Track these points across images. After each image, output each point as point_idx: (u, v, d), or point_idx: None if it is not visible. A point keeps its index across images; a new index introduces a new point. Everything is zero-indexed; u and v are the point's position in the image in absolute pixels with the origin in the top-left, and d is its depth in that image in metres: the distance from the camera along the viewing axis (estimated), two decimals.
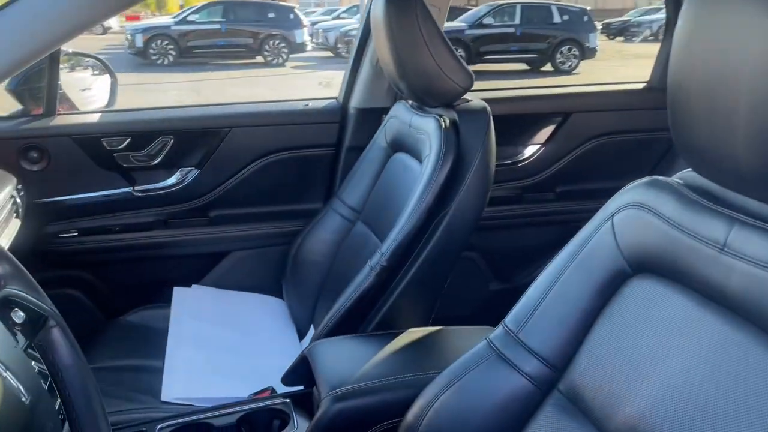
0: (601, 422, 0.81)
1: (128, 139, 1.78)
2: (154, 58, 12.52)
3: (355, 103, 1.92)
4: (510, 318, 0.95)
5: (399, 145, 1.60)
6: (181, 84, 10.40)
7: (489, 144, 1.35)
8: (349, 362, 1.15)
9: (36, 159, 1.73)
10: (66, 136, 1.74)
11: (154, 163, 1.83)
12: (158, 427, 1.17)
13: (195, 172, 1.87)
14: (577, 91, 2.17)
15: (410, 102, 1.60)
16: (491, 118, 1.39)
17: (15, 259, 0.74)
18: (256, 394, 1.32)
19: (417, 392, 0.99)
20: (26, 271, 0.75)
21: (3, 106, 1.84)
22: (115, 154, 1.79)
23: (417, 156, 1.47)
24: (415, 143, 1.48)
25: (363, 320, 1.34)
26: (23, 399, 0.60)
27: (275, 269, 1.90)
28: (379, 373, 1.10)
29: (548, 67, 12.47)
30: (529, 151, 2.14)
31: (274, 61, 12.91)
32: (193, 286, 1.86)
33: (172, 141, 1.82)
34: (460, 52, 11.67)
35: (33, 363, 0.67)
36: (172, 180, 1.88)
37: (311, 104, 1.97)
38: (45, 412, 0.62)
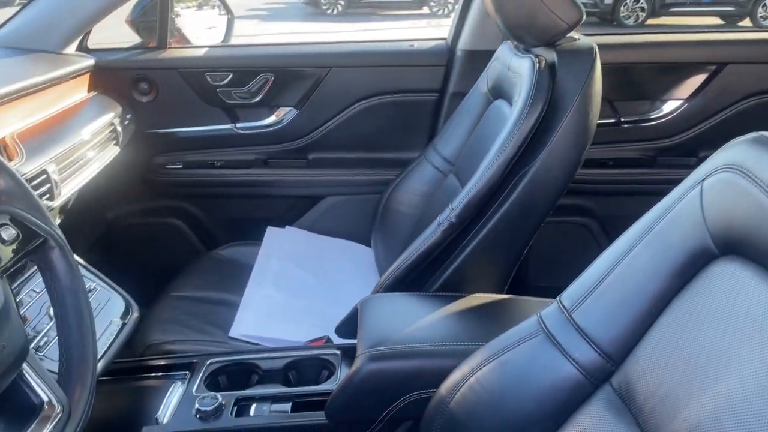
0: (652, 429, 0.65)
1: (230, 75, 1.78)
2: (324, 8, 12.87)
3: (462, 44, 1.76)
4: (566, 293, 0.79)
5: (498, 91, 1.44)
6: (344, 34, 10.64)
7: (590, 90, 1.15)
8: (395, 321, 1.05)
9: (146, 90, 1.79)
10: (173, 69, 1.77)
11: (254, 100, 1.82)
12: (208, 361, 1.17)
13: (294, 113, 1.84)
14: (735, 38, 1.83)
15: (514, 42, 1.42)
16: (597, 60, 1.18)
17: (19, 177, 0.72)
18: (312, 341, 1.28)
19: (457, 363, 0.87)
20: (30, 189, 0.73)
21: (125, 38, 1.92)
22: (218, 90, 1.80)
23: (510, 103, 1.30)
24: (510, 88, 1.32)
25: (427, 279, 1.24)
26: None
27: (368, 217, 1.84)
28: (424, 338, 0.99)
29: (746, 22, 10.90)
30: (668, 107, 1.85)
31: (440, 12, 12.75)
32: (286, 227, 1.86)
33: (272, 79, 1.79)
34: (641, 3, 10.61)
35: (2, 283, 0.65)
36: (271, 119, 1.86)
37: (417, 45, 1.84)
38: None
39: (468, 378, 0.85)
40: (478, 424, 0.83)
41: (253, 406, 1.06)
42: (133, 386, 1.15)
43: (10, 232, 0.69)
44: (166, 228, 1.91)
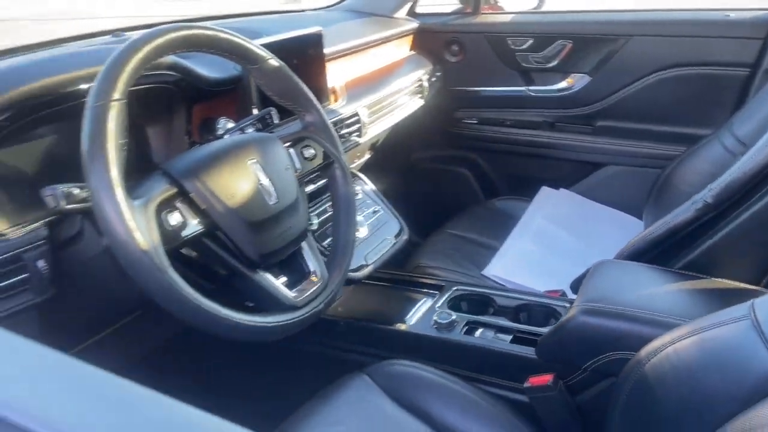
0: None
1: (530, 41, 1.91)
2: None
3: None
4: None
5: None
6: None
7: None
8: (618, 285, 1.11)
9: (456, 52, 2.02)
10: (481, 33, 1.97)
11: (549, 65, 1.92)
12: (455, 287, 1.38)
13: (586, 79, 1.89)
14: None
15: None
16: None
17: (325, 115, 1.00)
18: (549, 291, 1.38)
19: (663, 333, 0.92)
20: (330, 126, 1.00)
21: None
22: (516, 54, 1.94)
23: None
24: None
25: (672, 256, 1.22)
26: (270, 201, 0.86)
27: (645, 190, 1.81)
28: (639, 305, 1.03)
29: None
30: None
31: None
32: (560, 189, 1.95)
33: (569, 45, 1.86)
34: None
35: (299, 185, 0.93)
36: (563, 84, 1.94)
37: (734, 15, 1.70)
38: (287, 216, 0.87)
39: (667, 346, 0.88)
40: (665, 392, 0.87)
41: (480, 330, 1.23)
42: (397, 293, 1.42)
43: (311, 152, 0.98)
44: (455, 175, 2.16)
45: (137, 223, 0.71)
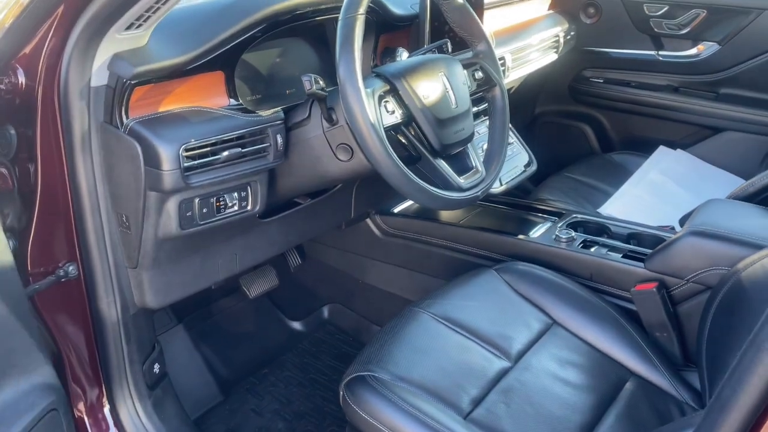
0: None
1: (666, 8, 2.04)
2: None
3: None
4: None
5: None
6: None
7: None
8: (725, 216, 1.28)
9: (592, 14, 2.18)
10: None
11: (681, 32, 2.04)
12: (574, 215, 1.59)
13: (715, 48, 2.00)
14: None
15: None
16: None
17: (492, 46, 1.24)
18: (660, 227, 1.57)
19: None
20: (495, 56, 1.24)
21: None
22: (651, 19, 2.08)
23: None
24: None
25: None
26: (452, 105, 1.12)
27: (761, 158, 1.93)
28: (742, 231, 1.21)
29: None
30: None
31: None
32: (677, 149, 2.09)
33: (703, 14, 1.98)
34: None
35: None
36: (692, 51, 2.06)
37: None
38: (462, 120, 1.13)
39: (763, 258, 1.07)
40: (757, 295, 1.06)
41: (594, 248, 1.45)
42: (522, 214, 1.66)
43: (480, 75, 1.22)
44: (576, 130, 2.34)
45: (368, 104, 0.99)
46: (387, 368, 1.08)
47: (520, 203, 1.72)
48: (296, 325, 1.89)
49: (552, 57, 2.03)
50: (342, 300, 1.90)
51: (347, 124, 1.05)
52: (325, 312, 1.93)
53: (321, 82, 1.04)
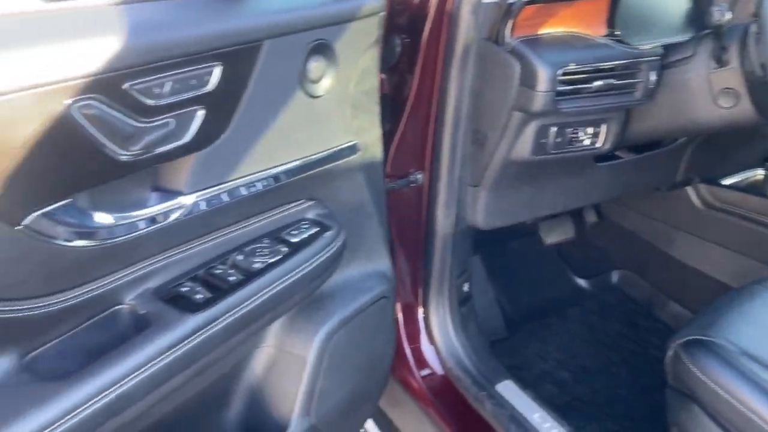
0: None
1: None
2: None
3: None
4: None
5: None
6: None
7: None
8: None
9: None
10: None
11: None
12: None
13: None
14: None
15: None
16: None
17: None
18: None
19: None
20: None
21: None
22: None
23: None
24: None
25: None
26: None
27: None
28: None
29: None
30: None
31: None
32: None
33: None
34: None
35: None
36: None
37: None
38: None
39: None
40: None
41: None
42: None
43: None
44: None
45: None
46: (730, 339, 0.99)
47: None
48: (582, 283, 1.83)
49: None
50: (635, 268, 1.80)
51: (742, 66, 0.95)
52: (614, 276, 1.84)
53: (729, 15, 0.94)
